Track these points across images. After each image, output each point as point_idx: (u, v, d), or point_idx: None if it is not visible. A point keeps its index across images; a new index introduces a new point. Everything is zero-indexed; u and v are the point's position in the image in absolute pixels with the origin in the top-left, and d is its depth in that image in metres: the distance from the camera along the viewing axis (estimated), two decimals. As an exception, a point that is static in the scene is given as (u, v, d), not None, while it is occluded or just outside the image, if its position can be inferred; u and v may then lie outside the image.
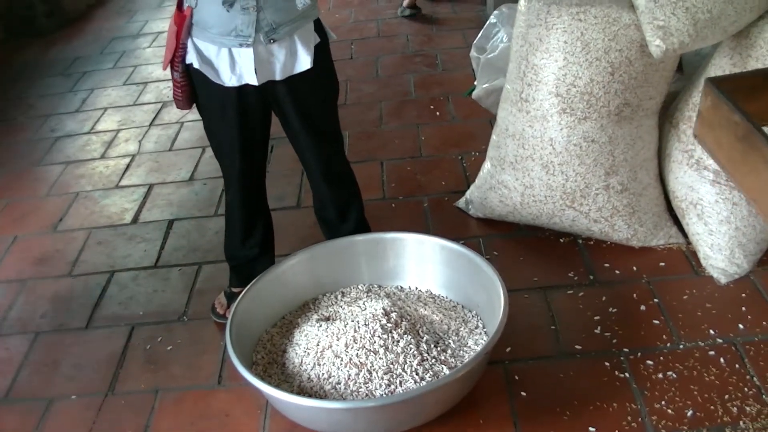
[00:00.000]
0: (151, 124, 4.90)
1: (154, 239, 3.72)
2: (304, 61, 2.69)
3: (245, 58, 2.63)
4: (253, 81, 2.65)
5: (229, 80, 2.67)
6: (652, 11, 2.83)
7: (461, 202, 3.66)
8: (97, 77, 5.83)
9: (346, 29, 6.16)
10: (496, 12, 4.39)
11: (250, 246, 3.12)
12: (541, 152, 3.19)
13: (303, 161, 3.04)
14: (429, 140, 4.26)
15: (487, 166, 3.48)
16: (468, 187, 3.69)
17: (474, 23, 5.90)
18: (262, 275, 2.84)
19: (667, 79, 3.17)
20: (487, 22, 4.44)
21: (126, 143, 4.69)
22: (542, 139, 3.17)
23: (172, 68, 2.73)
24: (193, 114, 4.86)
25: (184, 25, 2.63)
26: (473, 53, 4.37)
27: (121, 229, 3.84)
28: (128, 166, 4.41)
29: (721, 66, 3.03)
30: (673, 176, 3.24)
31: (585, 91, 3.05)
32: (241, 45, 2.60)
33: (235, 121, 2.79)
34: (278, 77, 2.70)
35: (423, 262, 2.96)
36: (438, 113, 4.61)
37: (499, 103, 3.97)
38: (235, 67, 2.65)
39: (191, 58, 2.69)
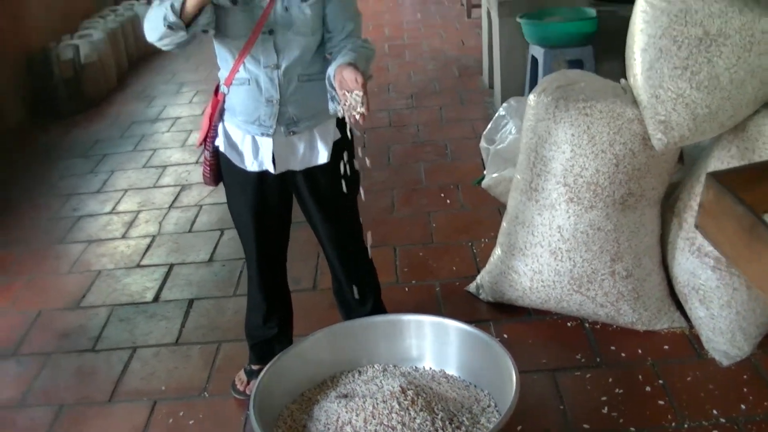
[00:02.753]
0: (170, 206, 5.07)
1: (174, 317, 3.86)
2: (322, 155, 2.86)
3: (266, 146, 2.81)
4: (272, 169, 2.83)
5: (251, 165, 2.85)
6: (654, 107, 3.02)
7: (472, 287, 3.79)
8: (118, 159, 6.03)
9: (358, 118, 6.36)
10: (504, 104, 4.60)
11: (270, 326, 3.25)
12: (550, 239, 3.34)
13: (322, 245, 3.19)
14: (440, 227, 4.42)
15: (497, 252, 3.63)
16: (478, 273, 3.82)
17: (482, 114, 6.12)
18: (284, 352, 2.95)
19: (669, 170, 3.34)
20: (496, 114, 4.63)
21: (146, 224, 4.86)
22: (551, 226, 3.33)
23: (204, 147, 2.92)
24: (212, 197, 5.09)
25: (217, 108, 2.82)
26: (483, 144, 4.56)
27: (142, 306, 3.98)
28: (149, 246, 4.57)
29: (720, 158, 3.19)
30: (675, 263, 3.38)
31: (591, 181, 3.22)
32: (262, 134, 2.79)
33: (255, 204, 2.96)
34: (297, 168, 2.88)
35: (439, 344, 3.07)
36: (448, 201, 4.78)
37: (508, 192, 4.14)
38: (258, 153, 2.84)
39: (219, 141, 2.87)
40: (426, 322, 3.10)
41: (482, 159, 4.63)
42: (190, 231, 4.72)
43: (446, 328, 3.06)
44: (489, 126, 4.64)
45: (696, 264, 3.27)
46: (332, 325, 3.13)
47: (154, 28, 2.62)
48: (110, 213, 5.09)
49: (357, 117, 2.50)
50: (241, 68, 2.73)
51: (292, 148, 2.85)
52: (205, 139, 2.90)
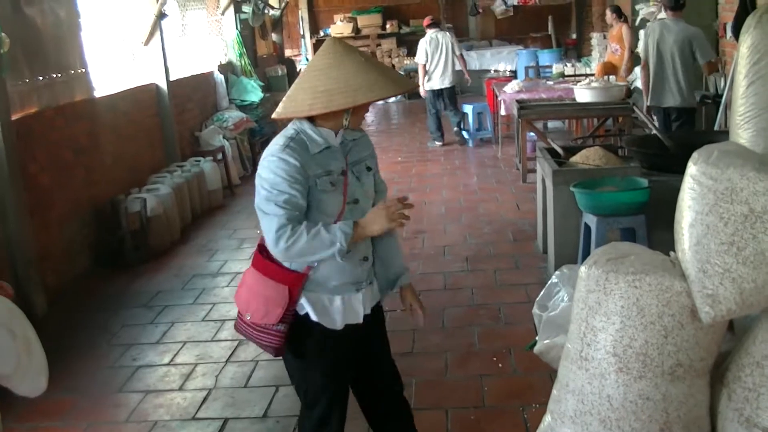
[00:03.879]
0: (227, 361, 5.20)
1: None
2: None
3: (357, 301, 3.12)
4: (360, 318, 3.14)
5: (341, 324, 3.10)
6: (702, 281, 3.11)
7: (522, 452, 3.82)
8: (178, 311, 6.22)
9: (413, 281, 6.49)
10: (557, 272, 4.70)
11: None
12: (599, 408, 3.38)
13: (374, 387, 3.42)
14: (492, 391, 4.47)
15: (548, 419, 3.67)
16: (528, 436, 3.86)
17: (536, 279, 6.22)
18: None
19: (718, 341, 3.39)
20: (549, 282, 4.73)
21: (203, 377, 4.98)
22: (600, 395, 3.38)
23: (280, 322, 3.04)
24: (267, 354, 5.18)
25: (302, 282, 3.01)
26: (535, 310, 4.64)
27: (195, 459, 4.06)
28: (205, 399, 4.68)
29: (767, 329, 3.25)
30: (725, 434, 3.39)
31: (640, 352, 3.28)
32: (357, 290, 3.10)
33: (338, 361, 3.19)
34: (369, 309, 3.20)
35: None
36: (500, 365, 4.85)
37: (559, 358, 4.20)
38: (345, 311, 3.10)
39: (306, 310, 3.07)
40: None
41: (535, 325, 4.70)
42: (245, 386, 4.83)
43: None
44: (542, 292, 4.74)
45: (745, 436, 3.28)
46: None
47: (316, 250, 2.91)
48: (168, 364, 5.23)
49: None
50: None
51: (372, 293, 3.21)
52: (284, 314, 3.03)
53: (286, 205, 2.93)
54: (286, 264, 3.04)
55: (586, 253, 4.55)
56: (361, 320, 3.11)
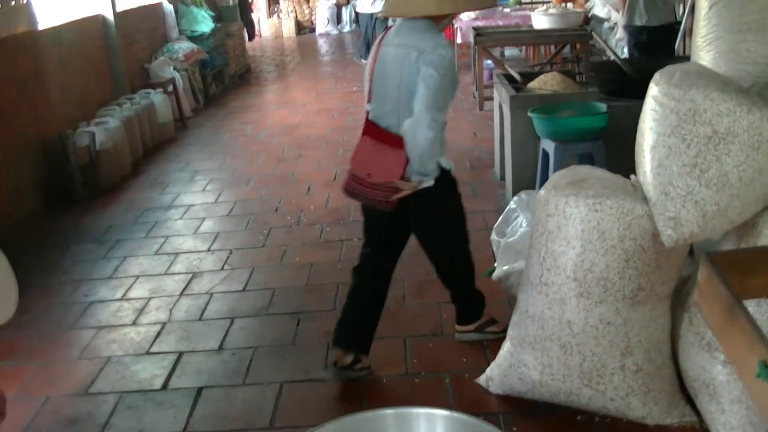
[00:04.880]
0: (181, 294, 5.09)
1: (182, 406, 3.84)
2: None
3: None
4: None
5: None
6: (664, 204, 3.06)
7: (482, 379, 3.78)
8: (130, 246, 6.08)
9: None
10: (515, 198, 4.64)
11: None
12: (560, 333, 3.35)
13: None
14: (450, 319, 4.40)
15: (507, 345, 3.63)
16: (488, 365, 3.82)
17: (493, 206, 6.16)
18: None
19: (679, 265, 3.37)
20: (507, 208, 4.68)
21: (157, 311, 4.87)
22: (561, 320, 3.34)
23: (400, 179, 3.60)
24: (223, 285, 5.11)
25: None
26: (494, 236, 4.60)
27: (150, 394, 3.97)
28: (158, 334, 4.58)
29: (729, 254, 3.23)
30: (685, 357, 3.37)
31: (601, 277, 3.24)
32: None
33: None
34: None
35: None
36: (459, 292, 4.78)
37: (518, 284, 4.16)
38: None
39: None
40: (437, 415, 3.07)
41: (493, 251, 4.65)
42: (200, 319, 4.73)
43: (456, 422, 3.03)
44: (500, 219, 4.69)
45: (706, 358, 3.26)
46: (340, 418, 3.09)
47: (434, 154, 3.61)
48: (121, 299, 5.11)
49: None
50: None
51: None
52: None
53: (448, 103, 3.63)
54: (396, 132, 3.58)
55: (544, 180, 4.49)
56: None
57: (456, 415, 3.06)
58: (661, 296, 3.36)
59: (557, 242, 3.32)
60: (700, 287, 2.05)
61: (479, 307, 4.22)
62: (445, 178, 3.73)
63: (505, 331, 3.86)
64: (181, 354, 4.32)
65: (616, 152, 5.19)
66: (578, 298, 3.29)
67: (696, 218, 3.02)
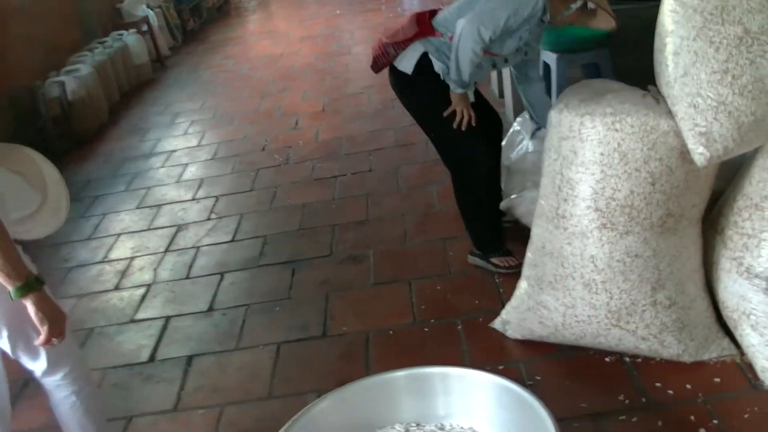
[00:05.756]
0: (166, 250, 4.74)
1: (173, 379, 3.51)
2: None
3: None
4: None
5: None
6: (693, 117, 2.67)
7: (497, 323, 3.44)
8: (110, 201, 5.72)
9: (362, 140, 6.06)
10: (519, 119, 4.26)
11: None
12: (582, 270, 2.99)
13: None
14: (457, 256, 4.06)
15: (523, 285, 3.28)
16: (503, 306, 3.48)
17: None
18: (295, 420, 2.60)
19: (710, 184, 3.00)
20: (511, 130, 4.30)
21: (140, 272, 4.52)
22: (582, 256, 2.97)
23: (396, 44, 3.67)
24: (210, 237, 4.76)
25: (429, 33, 3.67)
26: (498, 162, 4.21)
27: (137, 368, 3.63)
28: (143, 298, 4.22)
29: (765, 167, 2.87)
30: (722, 285, 3.03)
31: (625, 204, 2.87)
32: None
33: None
34: None
35: (466, 398, 2.72)
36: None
37: (530, 212, 3.80)
38: None
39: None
40: (452, 374, 2.75)
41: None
42: (187, 277, 4.37)
43: (474, 381, 2.71)
44: (503, 142, 4.30)
45: (746, 287, 2.92)
46: (346, 386, 2.77)
47: (466, 64, 3.45)
48: (102, 262, 4.75)
49: None
50: None
51: None
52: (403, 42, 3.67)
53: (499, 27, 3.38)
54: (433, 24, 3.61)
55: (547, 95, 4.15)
56: None
57: (473, 373, 2.75)
58: (693, 220, 2.99)
59: (573, 168, 2.93)
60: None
61: (492, 244, 3.94)
62: (434, 81, 3.61)
63: (517, 266, 3.62)
64: (168, 319, 3.97)
65: (624, 61, 4.80)
66: (601, 230, 2.92)
67: (730, 131, 2.63)
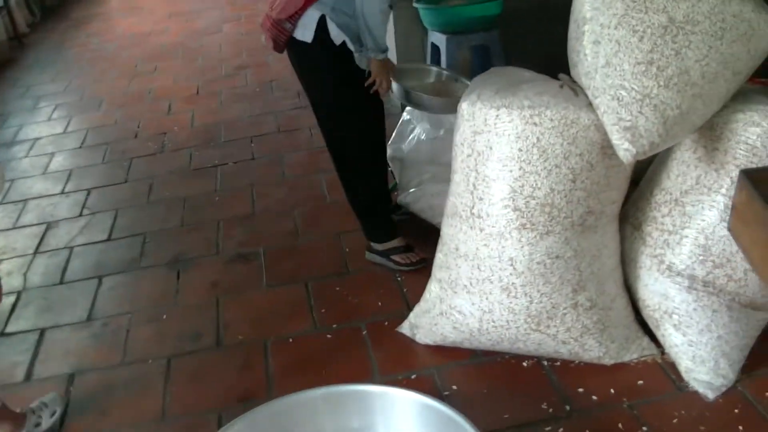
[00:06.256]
0: (35, 252, 4.33)
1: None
2: None
3: None
4: None
5: None
6: (617, 111, 2.52)
7: (405, 328, 3.24)
8: (-31, 197, 5.24)
9: (242, 125, 5.77)
10: (408, 108, 4.06)
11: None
12: (501, 273, 2.82)
13: None
14: (354, 252, 3.85)
15: (434, 288, 3.08)
16: (408, 306, 3.31)
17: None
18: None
19: (629, 179, 2.87)
20: (401, 120, 4.10)
21: (8, 277, 4.10)
22: (501, 259, 2.80)
23: (288, 20, 3.35)
24: (83, 236, 4.39)
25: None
26: (390, 154, 4.00)
27: (12, 389, 3.25)
28: (13, 308, 3.81)
29: (684, 160, 2.81)
30: (641, 283, 2.93)
31: (546, 203, 2.71)
32: None
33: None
34: None
35: (387, 418, 2.50)
36: (360, 218, 4.20)
37: (431, 207, 3.64)
38: None
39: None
40: (372, 393, 2.54)
41: (390, 168, 4.04)
42: (61, 282, 4.00)
43: (395, 399, 2.50)
44: (393, 133, 4.11)
45: (668, 285, 2.83)
46: (258, 408, 2.51)
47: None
48: (-37, 267, 4.32)
49: None
50: None
51: None
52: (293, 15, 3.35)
53: None
54: None
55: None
56: None
57: (392, 391, 2.55)
58: (612, 217, 2.87)
59: (490, 165, 2.75)
60: (738, 211, 1.80)
61: (384, 229, 3.74)
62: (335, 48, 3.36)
63: (419, 262, 3.55)
64: (43, 332, 3.60)
65: (513, 42, 4.67)
66: (520, 231, 2.75)
67: (656, 126, 2.49)
